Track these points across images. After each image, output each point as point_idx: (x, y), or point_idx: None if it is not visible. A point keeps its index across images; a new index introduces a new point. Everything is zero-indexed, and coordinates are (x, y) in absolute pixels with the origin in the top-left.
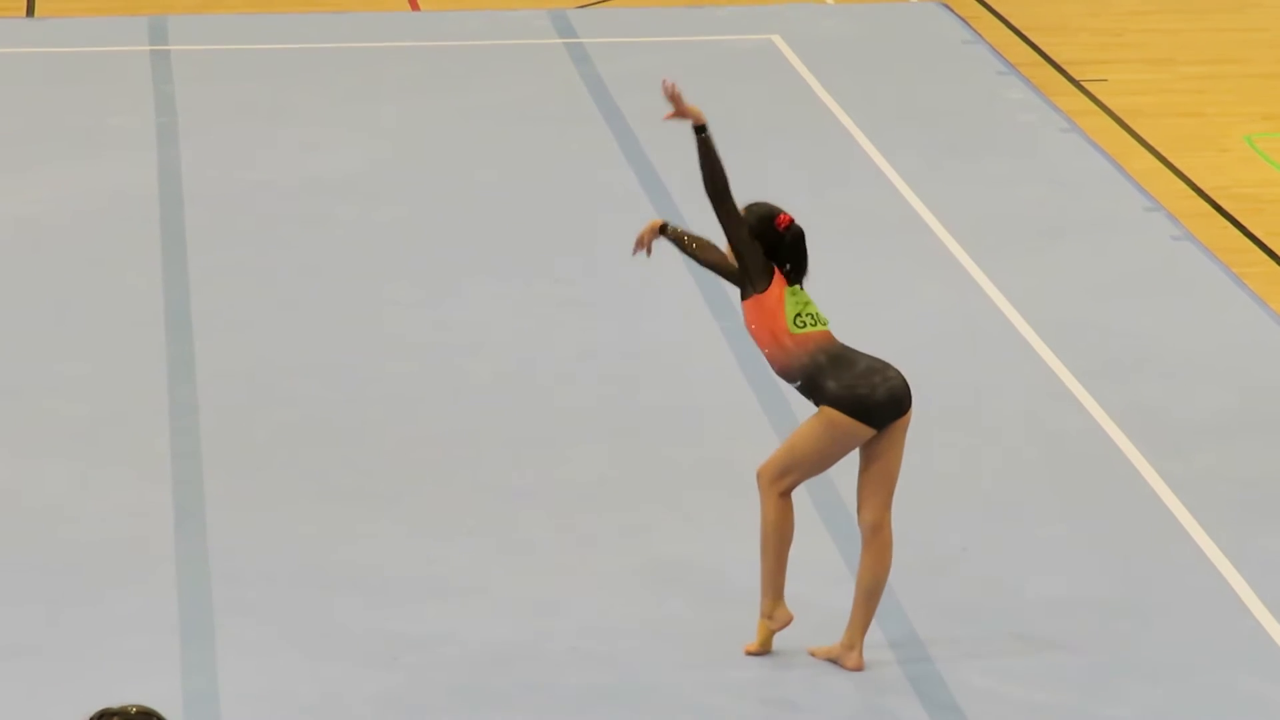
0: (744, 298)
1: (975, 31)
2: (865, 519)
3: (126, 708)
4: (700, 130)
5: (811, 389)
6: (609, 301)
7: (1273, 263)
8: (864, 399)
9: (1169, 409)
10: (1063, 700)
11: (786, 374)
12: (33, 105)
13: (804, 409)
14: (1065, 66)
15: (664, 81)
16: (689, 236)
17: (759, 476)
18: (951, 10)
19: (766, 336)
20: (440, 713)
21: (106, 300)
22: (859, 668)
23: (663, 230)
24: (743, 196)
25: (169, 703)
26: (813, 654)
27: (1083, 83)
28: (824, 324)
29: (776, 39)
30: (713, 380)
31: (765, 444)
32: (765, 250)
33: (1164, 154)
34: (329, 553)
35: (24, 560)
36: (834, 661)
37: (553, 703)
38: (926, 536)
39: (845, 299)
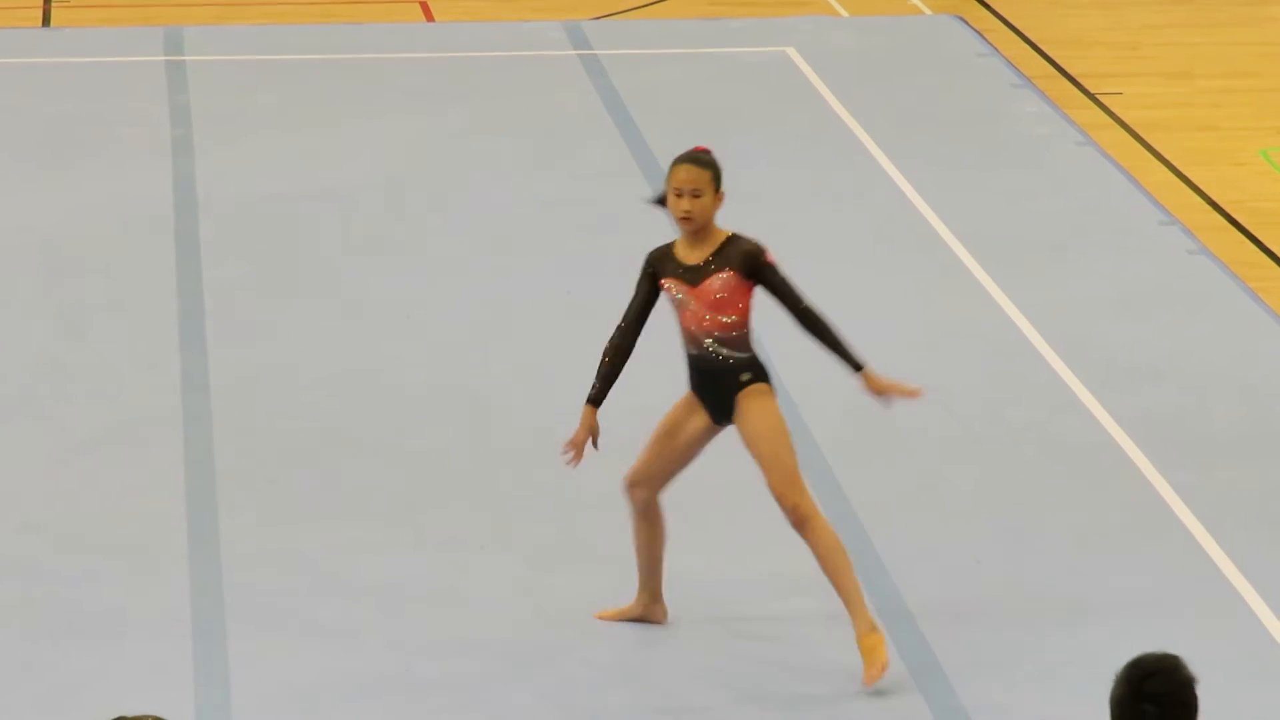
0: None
1: (990, 44)
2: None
3: (141, 717)
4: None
5: (754, 364)
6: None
7: None
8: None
9: (1184, 423)
10: (1075, 714)
11: (743, 345)
12: (48, 115)
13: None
14: (1080, 79)
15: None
16: (611, 370)
17: (788, 503)
18: (966, 23)
19: (744, 314)
20: None
21: (119, 310)
22: (666, 618)
23: (594, 405)
24: (751, 203)
25: (180, 713)
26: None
27: (1098, 96)
28: None
29: (790, 51)
30: None
31: None
32: None
33: (1179, 168)
34: (342, 563)
35: (35, 569)
36: (646, 620)
37: (568, 713)
38: (939, 548)
39: (858, 311)
